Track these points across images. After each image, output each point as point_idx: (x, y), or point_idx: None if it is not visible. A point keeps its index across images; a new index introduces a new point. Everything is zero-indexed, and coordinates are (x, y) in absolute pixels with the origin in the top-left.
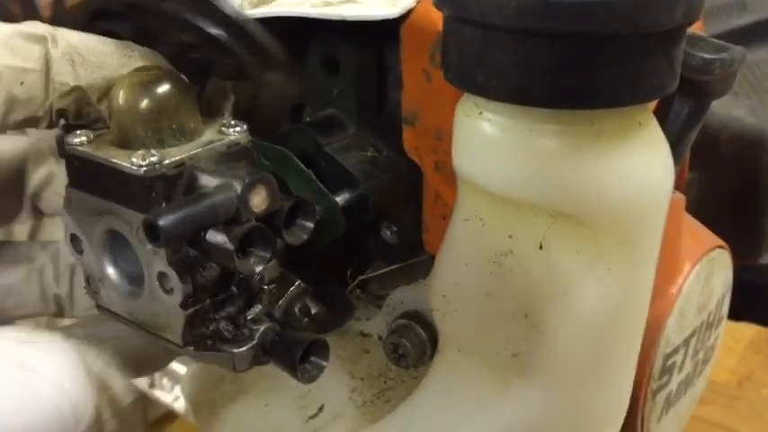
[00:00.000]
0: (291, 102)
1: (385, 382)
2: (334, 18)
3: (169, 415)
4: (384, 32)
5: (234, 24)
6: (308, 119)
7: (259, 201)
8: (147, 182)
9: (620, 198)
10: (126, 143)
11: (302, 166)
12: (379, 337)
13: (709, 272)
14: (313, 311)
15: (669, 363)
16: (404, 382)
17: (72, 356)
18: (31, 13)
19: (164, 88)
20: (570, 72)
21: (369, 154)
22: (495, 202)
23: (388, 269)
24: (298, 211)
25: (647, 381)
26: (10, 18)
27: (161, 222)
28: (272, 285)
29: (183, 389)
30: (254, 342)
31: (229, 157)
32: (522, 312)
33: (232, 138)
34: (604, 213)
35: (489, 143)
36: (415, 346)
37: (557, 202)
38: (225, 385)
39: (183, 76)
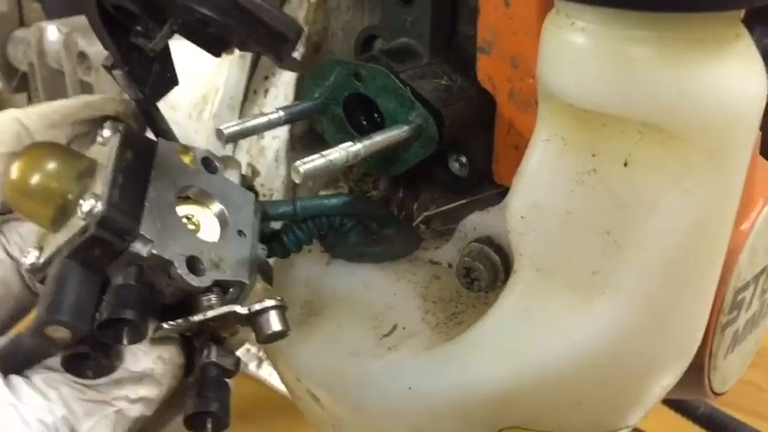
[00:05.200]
0: (363, 34)
1: (456, 306)
2: None
3: None
4: None
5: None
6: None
7: (59, 333)
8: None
9: (713, 109)
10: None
11: (398, 83)
12: (449, 265)
13: None
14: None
15: (739, 298)
16: (475, 307)
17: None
18: None
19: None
20: None
21: (443, 82)
22: (579, 120)
23: (453, 205)
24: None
25: (717, 314)
26: None
27: None
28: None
29: None
30: None
31: (82, 251)
32: (604, 229)
33: (81, 225)
34: (697, 125)
35: (581, 54)
36: (488, 269)
37: (648, 113)
38: (295, 310)
39: (62, 146)
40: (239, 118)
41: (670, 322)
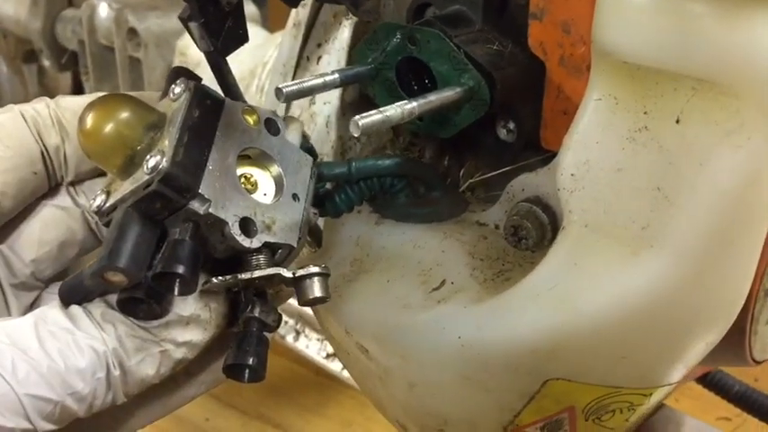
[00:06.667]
0: (416, 2)
1: (503, 265)
2: None
3: None
4: None
5: None
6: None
7: (116, 278)
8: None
9: None
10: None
11: (452, 46)
12: (496, 226)
13: None
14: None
15: None
16: (521, 266)
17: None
18: None
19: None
20: None
21: (495, 47)
22: (633, 78)
23: (498, 171)
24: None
25: (761, 278)
26: None
27: (59, 293)
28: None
29: None
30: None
31: (144, 203)
32: (654, 185)
33: (145, 179)
34: (751, 80)
35: (639, 11)
36: (536, 227)
37: (704, 68)
38: (344, 267)
39: (134, 97)
40: None
41: (716, 277)
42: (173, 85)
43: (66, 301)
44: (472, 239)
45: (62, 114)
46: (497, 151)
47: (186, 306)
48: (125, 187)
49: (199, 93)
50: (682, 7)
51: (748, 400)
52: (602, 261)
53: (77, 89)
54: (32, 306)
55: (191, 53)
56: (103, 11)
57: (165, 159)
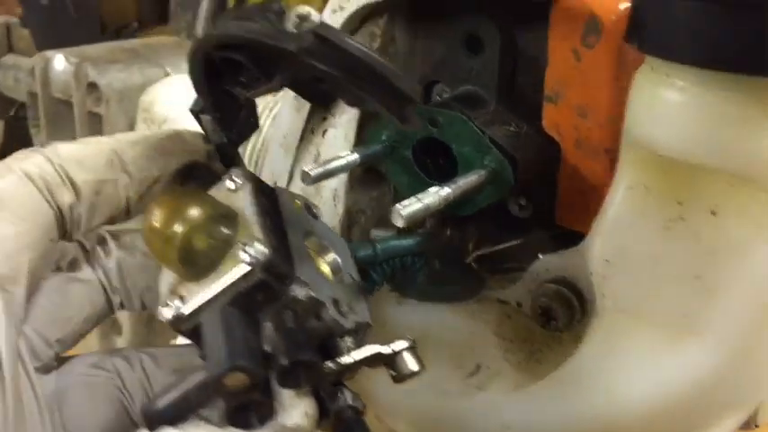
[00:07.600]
0: (424, 81)
1: (532, 345)
2: None
3: None
4: (523, 14)
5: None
6: (439, 97)
7: (236, 382)
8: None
9: None
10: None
11: (476, 128)
12: (518, 304)
13: None
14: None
15: None
16: (549, 346)
17: None
18: None
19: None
20: None
21: (511, 128)
22: (665, 171)
23: (509, 244)
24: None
25: None
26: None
27: (148, 414)
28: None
29: None
30: None
31: (245, 296)
32: (694, 274)
33: (243, 271)
34: None
35: (676, 110)
36: (565, 310)
37: (740, 166)
38: None
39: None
40: (294, 158)
41: (754, 360)
42: (225, 177)
43: (155, 423)
44: (497, 319)
45: (68, 168)
46: (507, 225)
47: (288, 416)
48: (211, 287)
49: (256, 182)
50: (721, 110)
51: None
52: (641, 347)
53: (10, 136)
54: (55, 391)
55: (155, 110)
56: (59, 64)
57: (263, 247)
